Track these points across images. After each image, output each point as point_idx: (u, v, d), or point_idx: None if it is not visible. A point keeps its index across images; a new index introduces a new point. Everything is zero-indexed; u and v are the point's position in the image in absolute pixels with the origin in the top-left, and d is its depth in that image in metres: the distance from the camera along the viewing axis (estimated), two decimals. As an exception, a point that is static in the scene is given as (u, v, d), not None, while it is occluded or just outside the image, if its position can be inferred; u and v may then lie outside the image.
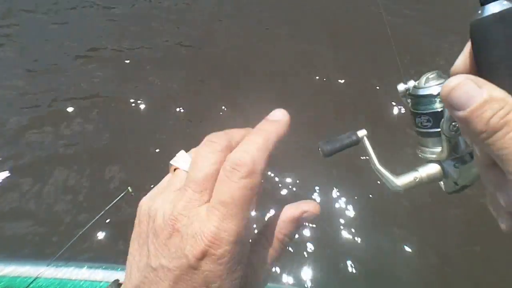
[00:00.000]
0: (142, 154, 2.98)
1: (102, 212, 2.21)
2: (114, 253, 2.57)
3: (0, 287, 1.94)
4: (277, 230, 0.46)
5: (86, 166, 2.92)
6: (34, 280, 1.93)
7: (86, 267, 1.99)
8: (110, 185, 2.78)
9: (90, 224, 2.17)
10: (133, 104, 3.33)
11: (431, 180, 0.54)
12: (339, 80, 3.19)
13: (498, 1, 0.36)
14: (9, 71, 3.58)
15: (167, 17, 4.10)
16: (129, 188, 2.46)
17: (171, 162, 0.48)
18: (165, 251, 0.42)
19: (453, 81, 0.35)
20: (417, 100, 0.53)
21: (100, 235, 2.52)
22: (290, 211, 0.47)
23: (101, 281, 1.92)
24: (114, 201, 2.34)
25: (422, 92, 0.52)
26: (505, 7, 0.36)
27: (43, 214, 2.69)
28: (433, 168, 0.53)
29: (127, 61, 3.70)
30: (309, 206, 0.47)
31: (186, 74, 3.54)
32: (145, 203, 0.48)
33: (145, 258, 0.44)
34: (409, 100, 0.56)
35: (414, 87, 0.54)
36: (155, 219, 0.43)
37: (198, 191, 0.42)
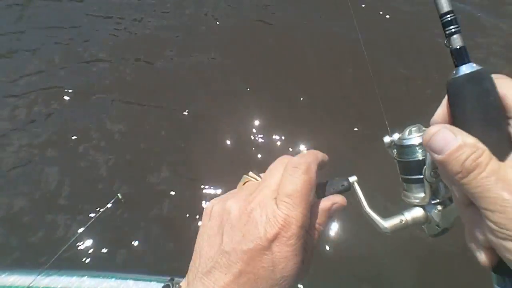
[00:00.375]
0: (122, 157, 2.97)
1: (93, 219, 2.24)
2: (106, 260, 2.58)
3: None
4: (313, 220, 0.54)
5: (74, 171, 2.91)
6: (26, 289, 1.94)
7: (76, 276, 1.99)
8: (100, 191, 2.76)
9: (81, 231, 2.20)
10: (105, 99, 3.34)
11: (416, 223, 0.58)
12: (329, 131, 3.21)
13: (469, 64, 0.44)
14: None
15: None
16: (118, 194, 2.48)
17: (245, 176, 0.59)
18: (239, 237, 0.48)
19: (432, 129, 0.41)
20: (402, 149, 0.59)
21: (92, 242, 2.51)
22: (323, 203, 0.55)
23: (93, 289, 1.92)
24: (104, 208, 2.37)
25: (406, 142, 0.58)
26: (474, 69, 0.44)
27: (33, 222, 2.68)
28: (417, 212, 0.58)
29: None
30: (338, 198, 0.56)
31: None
32: (216, 203, 0.55)
33: (217, 246, 0.49)
34: (394, 150, 0.62)
35: (399, 138, 0.60)
36: (231, 212, 0.51)
37: (271, 191, 0.50)
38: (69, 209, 2.78)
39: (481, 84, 0.43)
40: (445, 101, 0.47)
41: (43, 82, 3.44)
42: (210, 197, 2.74)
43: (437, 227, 0.57)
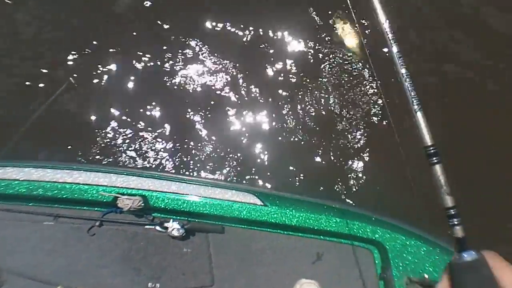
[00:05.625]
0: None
1: (44, 106, 1.96)
2: (60, 147, 2.39)
3: None
4: None
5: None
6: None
7: (31, 167, 1.80)
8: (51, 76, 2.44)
9: (32, 119, 1.93)
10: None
11: None
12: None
13: (469, 251, 0.61)
14: None
15: None
16: (70, 79, 2.17)
17: None
18: None
19: None
20: None
21: (44, 130, 2.29)
22: None
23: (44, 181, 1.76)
24: (57, 93, 2.08)
25: None
26: (473, 257, 0.61)
27: None
28: None
29: None
30: None
31: None
32: None
33: None
34: None
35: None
36: None
37: None
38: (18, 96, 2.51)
39: (481, 271, 0.58)
40: (445, 278, 0.61)
41: None
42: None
43: None
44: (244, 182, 2.48)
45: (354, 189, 2.60)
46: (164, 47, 2.89)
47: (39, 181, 1.75)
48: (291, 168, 2.61)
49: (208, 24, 3.04)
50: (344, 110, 2.92)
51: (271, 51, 3.06)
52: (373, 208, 1.36)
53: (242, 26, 3.06)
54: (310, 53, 3.06)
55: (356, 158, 2.73)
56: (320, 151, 2.74)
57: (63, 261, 1.80)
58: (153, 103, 2.73)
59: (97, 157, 2.44)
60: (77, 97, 2.35)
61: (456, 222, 0.63)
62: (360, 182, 2.63)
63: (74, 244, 1.80)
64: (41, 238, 1.82)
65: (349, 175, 2.67)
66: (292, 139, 2.77)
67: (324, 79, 3.00)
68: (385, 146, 2.71)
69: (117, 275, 1.76)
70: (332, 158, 2.73)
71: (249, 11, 3.13)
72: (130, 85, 2.70)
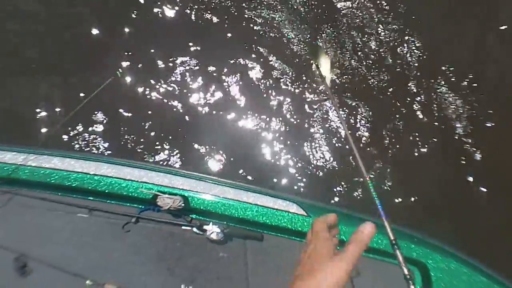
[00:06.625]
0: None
1: (88, 98, 1.95)
2: (101, 140, 2.39)
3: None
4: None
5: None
6: (16, 167, 1.76)
7: (72, 158, 1.79)
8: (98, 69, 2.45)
9: (76, 109, 1.93)
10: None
11: None
12: None
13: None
14: None
15: None
16: (117, 72, 2.17)
17: None
18: None
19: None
20: None
21: (87, 122, 2.29)
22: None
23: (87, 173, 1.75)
24: (101, 87, 2.07)
25: None
26: None
27: (26, 101, 2.43)
28: None
29: None
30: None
31: None
32: None
33: None
34: None
35: None
36: None
37: None
38: (64, 88, 2.53)
39: None
40: None
41: None
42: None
43: None
44: (288, 191, 2.47)
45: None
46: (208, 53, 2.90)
47: (78, 172, 1.74)
48: (336, 179, 2.60)
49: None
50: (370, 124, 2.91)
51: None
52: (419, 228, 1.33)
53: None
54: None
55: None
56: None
57: (95, 255, 1.78)
58: (199, 104, 2.71)
59: (138, 154, 2.44)
60: (120, 93, 2.36)
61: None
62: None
63: (107, 238, 1.78)
64: (74, 230, 1.80)
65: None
66: (338, 150, 2.75)
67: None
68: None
69: (150, 274, 1.73)
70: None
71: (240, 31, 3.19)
72: (172, 83, 2.68)
